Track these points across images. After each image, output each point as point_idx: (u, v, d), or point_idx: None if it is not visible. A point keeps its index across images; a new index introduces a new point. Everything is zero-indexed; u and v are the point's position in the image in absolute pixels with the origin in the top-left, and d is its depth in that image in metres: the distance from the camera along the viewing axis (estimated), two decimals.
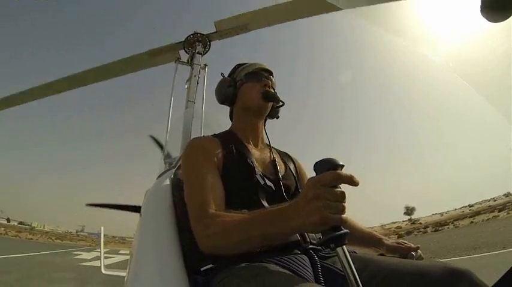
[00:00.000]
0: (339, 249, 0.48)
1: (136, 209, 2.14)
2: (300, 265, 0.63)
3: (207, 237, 0.64)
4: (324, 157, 0.53)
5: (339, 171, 0.50)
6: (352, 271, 0.47)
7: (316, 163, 0.53)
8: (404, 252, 0.83)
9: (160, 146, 2.34)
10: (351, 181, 0.49)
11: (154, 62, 2.15)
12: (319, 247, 0.73)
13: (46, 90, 2.49)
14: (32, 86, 2.48)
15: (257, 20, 1.96)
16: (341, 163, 0.51)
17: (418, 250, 0.83)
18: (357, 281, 0.47)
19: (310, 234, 0.73)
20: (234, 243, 0.61)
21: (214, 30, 2.00)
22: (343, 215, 0.48)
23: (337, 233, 0.48)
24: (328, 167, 0.51)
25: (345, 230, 0.49)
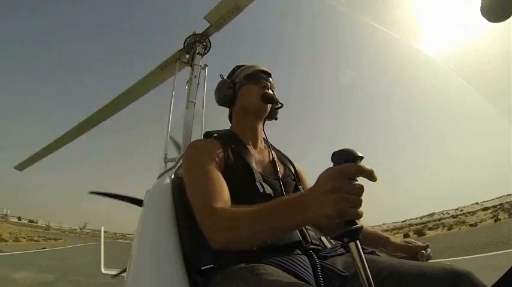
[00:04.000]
0: (351, 244, 0.47)
1: (137, 202, 2.11)
2: (300, 266, 0.63)
3: (217, 232, 0.62)
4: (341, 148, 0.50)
5: (360, 164, 0.48)
6: (364, 266, 0.46)
7: (334, 153, 0.50)
8: (413, 251, 0.81)
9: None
10: (371, 176, 0.47)
11: (166, 75, 2.20)
12: (319, 247, 0.73)
13: (78, 131, 2.73)
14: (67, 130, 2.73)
15: None
16: (360, 155, 0.49)
17: (428, 249, 0.81)
18: (368, 278, 0.45)
19: (311, 234, 0.73)
20: (245, 236, 0.59)
21: (208, 25, 1.98)
22: (359, 210, 0.47)
23: (352, 227, 0.47)
24: (347, 158, 0.49)
25: (360, 225, 0.47)
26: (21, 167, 3.12)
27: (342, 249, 0.76)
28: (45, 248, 14.73)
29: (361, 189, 0.48)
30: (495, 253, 6.21)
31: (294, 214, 0.53)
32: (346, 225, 0.47)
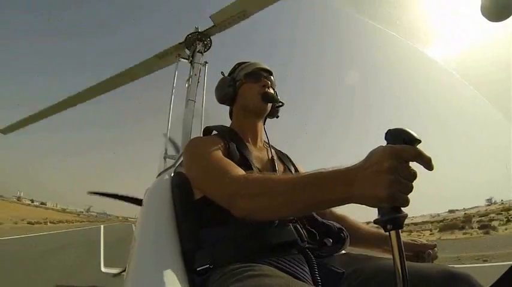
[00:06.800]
0: (392, 232, 0.43)
1: (137, 201, 2.17)
2: (297, 265, 0.63)
3: (242, 198, 0.57)
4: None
5: (419, 148, 0.44)
6: (401, 258, 0.43)
7: (389, 131, 0.47)
8: (419, 250, 0.79)
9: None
10: (428, 164, 0.44)
11: (162, 64, 2.24)
12: (315, 246, 0.72)
13: (70, 102, 2.72)
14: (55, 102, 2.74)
15: (253, 2, 1.90)
16: (418, 137, 0.45)
17: (435, 249, 0.79)
18: (404, 270, 0.43)
19: (306, 233, 0.72)
20: (278, 204, 0.55)
21: (212, 24, 1.97)
22: (408, 197, 0.44)
23: (399, 215, 0.43)
24: (404, 138, 0.45)
25: (406, 213, 0.44)
26: (6, 130, 2.92)
27: (338, 247, 0.76)
28: None
29: (415, 175, 0.44)
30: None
31: (337, 188, 0.48)
32: (392, 211, 0.43)
